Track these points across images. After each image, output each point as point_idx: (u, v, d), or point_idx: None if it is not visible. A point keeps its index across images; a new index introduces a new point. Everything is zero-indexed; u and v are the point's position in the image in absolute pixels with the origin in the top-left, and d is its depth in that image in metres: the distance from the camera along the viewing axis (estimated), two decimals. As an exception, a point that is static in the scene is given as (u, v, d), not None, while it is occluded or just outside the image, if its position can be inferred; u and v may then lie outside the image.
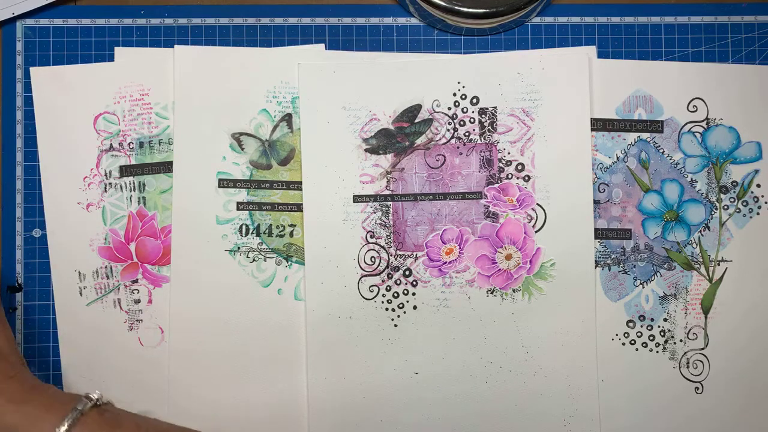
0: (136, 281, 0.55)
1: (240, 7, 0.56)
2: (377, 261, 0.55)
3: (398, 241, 0.55)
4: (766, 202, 0.55)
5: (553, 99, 0.54)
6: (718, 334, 0.55)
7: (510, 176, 0.55)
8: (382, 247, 0.55)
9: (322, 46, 0.56)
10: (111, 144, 0.55)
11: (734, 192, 0.55)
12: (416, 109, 0.55)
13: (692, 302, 0.55)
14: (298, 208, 0.55)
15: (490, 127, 0.55)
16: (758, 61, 0.56)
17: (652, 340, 0.55)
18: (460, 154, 0.55)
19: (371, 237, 0.55)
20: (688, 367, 0.55)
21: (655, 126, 0.55)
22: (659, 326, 0.55)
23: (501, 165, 0.55)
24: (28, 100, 0.55)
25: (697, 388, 0.55)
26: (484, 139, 0.55)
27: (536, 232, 0.54)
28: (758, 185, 0.55)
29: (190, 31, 0.56)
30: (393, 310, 0.54)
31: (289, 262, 0.55)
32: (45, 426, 0.43)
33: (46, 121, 0.55)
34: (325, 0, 0.56)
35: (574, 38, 0.56)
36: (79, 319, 0.55)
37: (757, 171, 0.55)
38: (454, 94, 0.55)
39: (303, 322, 0.54)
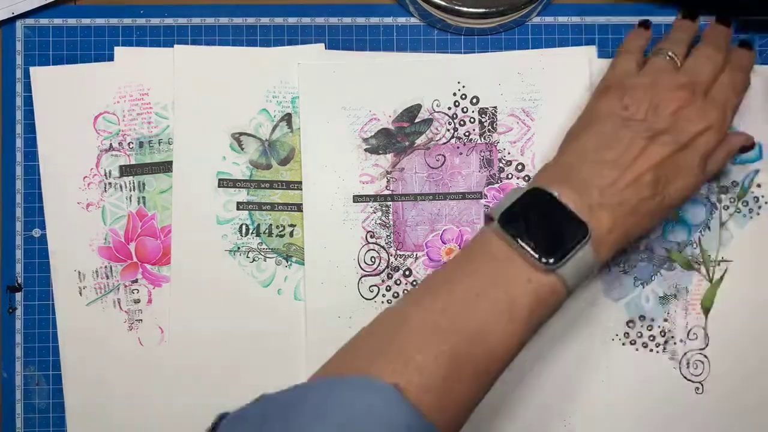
0: (135, 281, 0.55)
1: (240, 7, 0.56)
2: (377, 261, 0.55)
3: (398, 241, 0.55)
4: (766, 202, 0.55)
5: (553, 99, 0.54)
6: (718, 334, 0.55)
7: (510, 176, 0.55)
8: (382, 247, 0.55)
9: (322, 45, 0.56)
10: (111, 144, 0.55)
11: (734, 192, 0.55)
12: (416, 109, 0.55)
13: (692, 302, 0.55)
14: (298, 208, 0.55)
15: (490, 127, 0.55)
16: (758, 61, 0.55)
17: (652, 340, 0.55)
18: (460, 154, 0.55)
19: (371, 237, 0.54)
20: (688, 367, 0.55)
21: (655, 126, 0.55)
22: (659, 326, 0.55)
23: (501, 165, 0.55)
24: (28, 100, 0.55)
25: (697, 388, 0.55)
26: (484, 139, 0.55)
27: (536, 232, 0.54)
28: (758, 185, 0.55)
29: (190, 31, 0.56)
30: (393, 310, 0.54)
31: (289, 262, 0.55)
32: None
33: (46, 121, 0.55)
34: (325, 0, 0.56)
35: (574, 38, 0.56)
36: (79, 319, 0.54)
37: (757, 171, 0.55)
38: (454, 94, 0.55)
39: (303, 322, 0.54)
